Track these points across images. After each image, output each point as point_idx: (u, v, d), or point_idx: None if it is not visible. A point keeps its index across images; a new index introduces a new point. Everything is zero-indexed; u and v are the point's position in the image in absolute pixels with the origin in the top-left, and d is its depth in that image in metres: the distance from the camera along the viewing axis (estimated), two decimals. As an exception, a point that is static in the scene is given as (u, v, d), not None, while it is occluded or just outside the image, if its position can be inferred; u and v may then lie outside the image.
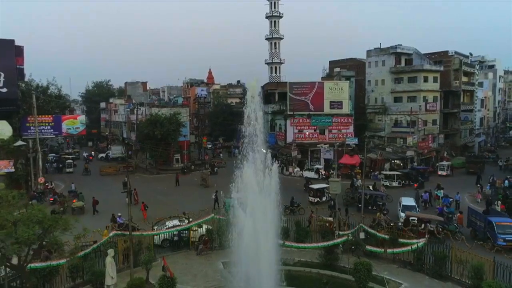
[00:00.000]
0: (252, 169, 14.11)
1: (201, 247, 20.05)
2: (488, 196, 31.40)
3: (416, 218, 23.72)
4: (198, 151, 57.20)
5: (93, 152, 67.24)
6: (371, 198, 30.21)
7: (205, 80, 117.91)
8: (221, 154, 62.83)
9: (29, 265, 13.44)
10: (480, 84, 61.82)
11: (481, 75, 69.41)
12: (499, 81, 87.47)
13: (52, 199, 32.36)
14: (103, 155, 62.77)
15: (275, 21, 56.93)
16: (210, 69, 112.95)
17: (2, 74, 34.78)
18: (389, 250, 18.60)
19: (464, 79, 56.25)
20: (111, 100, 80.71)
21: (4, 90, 34.88)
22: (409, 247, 18.12)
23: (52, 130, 38.77)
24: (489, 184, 34.37)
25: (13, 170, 33.38)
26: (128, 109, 64.09)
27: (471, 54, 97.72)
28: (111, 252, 13.44)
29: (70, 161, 51.35)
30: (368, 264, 15.69)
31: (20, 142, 34.29)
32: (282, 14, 56.90)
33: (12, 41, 35.58)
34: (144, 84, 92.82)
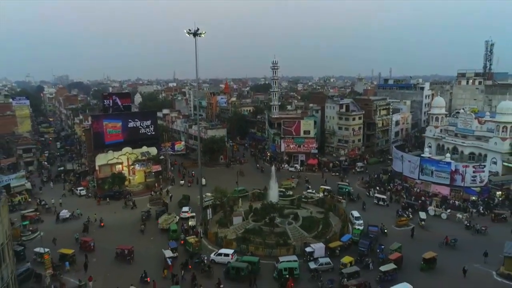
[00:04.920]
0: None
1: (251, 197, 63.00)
2: (368, 183, 73.94)
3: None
4: (232, 153, 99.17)
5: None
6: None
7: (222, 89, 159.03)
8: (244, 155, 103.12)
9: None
10: (396, 111, 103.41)
11: (411, 96, 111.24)
12: (425, 98, 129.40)
13: (183, 181, 74.76)
14: (171, 151, 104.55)
15: (275, 81, 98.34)
16: (226, 81, 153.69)
17: (153, 126, 76.85)
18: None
19: (384, 112, 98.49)
20: (166, 112, 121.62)
21: (154, 132, 77.12)
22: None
23: (170, 149, 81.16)
24: (368, 176, 77.30)
25: (160, 169, 75.91)
26: (186, 124, 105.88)
27: (411, 77, 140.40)
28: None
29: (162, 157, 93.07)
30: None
31: (161, 157, 76.78)
32: (279, 77, 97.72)
33: (155, 111, 77.22)
34: (185, 99, 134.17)
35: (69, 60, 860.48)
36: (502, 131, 65.53)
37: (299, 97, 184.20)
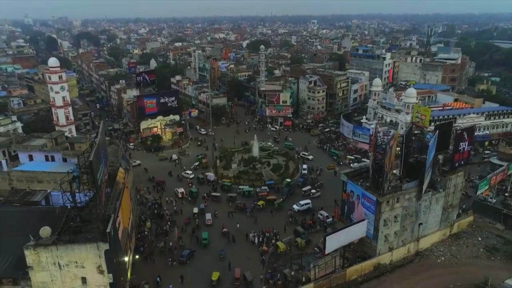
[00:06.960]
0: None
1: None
2: (322, 140, 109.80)
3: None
4: (231, 114, 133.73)
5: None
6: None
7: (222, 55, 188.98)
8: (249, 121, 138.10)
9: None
10: (355, 81, 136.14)
11: (375, 64, 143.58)
12: (385, 67, 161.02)
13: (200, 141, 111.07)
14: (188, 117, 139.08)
15: (262, 63, 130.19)
16: (226, 48, 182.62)
17: (176, 100, 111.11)
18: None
19: (344, 84, 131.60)
20: (179, 78, 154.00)
21: (177, 105, 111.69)
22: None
23: (188, 115, 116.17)
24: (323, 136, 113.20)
25: (182, 130, 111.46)
26: (196, 91, 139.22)
27: (373, 46, 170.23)
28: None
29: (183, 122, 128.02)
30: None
31: (182, 122, 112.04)
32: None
33: (177, 91, 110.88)
34: (194, 69, 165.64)
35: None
36: (408, 108, 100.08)
37: (289, 57, 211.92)
